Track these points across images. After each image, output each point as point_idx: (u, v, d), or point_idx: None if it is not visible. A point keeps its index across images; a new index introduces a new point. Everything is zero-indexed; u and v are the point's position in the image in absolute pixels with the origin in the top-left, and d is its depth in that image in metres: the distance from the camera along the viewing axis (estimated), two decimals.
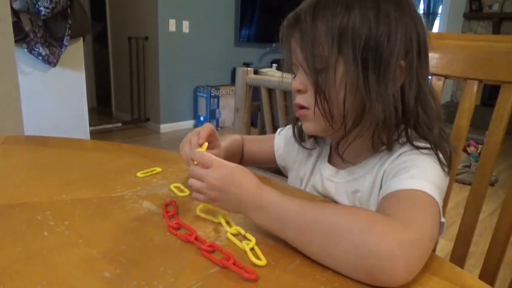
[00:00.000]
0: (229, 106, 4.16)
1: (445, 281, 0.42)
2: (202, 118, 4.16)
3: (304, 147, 0.69)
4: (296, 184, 0.72)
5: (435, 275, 0.43)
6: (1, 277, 0.40)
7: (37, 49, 2.43)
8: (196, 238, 0.48)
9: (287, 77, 0.64)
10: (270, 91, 1.75)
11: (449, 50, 0.76)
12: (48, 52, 2.48)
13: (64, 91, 2.70)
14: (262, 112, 1.84)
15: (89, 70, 4.45)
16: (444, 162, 0.54)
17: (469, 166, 3.02)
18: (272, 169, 0.80)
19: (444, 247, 1.69)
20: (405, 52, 0.54)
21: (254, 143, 0.80)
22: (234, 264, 0.43)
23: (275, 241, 0.49)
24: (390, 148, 0.56)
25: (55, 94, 2.66)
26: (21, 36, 2.34)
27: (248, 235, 0.50)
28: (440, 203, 0.49)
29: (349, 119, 0.55)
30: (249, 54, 4.62)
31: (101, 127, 3.81)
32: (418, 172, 0.51)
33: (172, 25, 3.79)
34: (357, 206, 0.60)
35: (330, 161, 0.67)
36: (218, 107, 4.15)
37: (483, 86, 0.74)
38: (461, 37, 0.78)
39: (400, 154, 0.55)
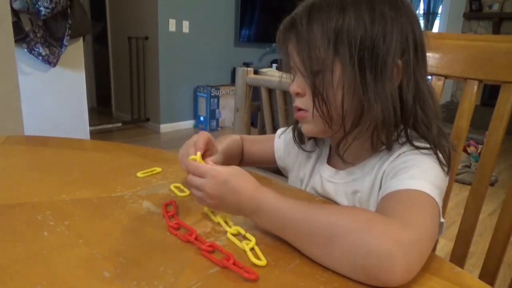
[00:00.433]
0: (229, 106, 4.16)
1: (445, 281, 0.42)
2: (202, 118, 4.17)
3: (304, 149, 0.69)
4: (296, 185, 0.72)
5: (435, 275, 0.43)
6: (1, 277, 0.40)
7: (37, 49, 2.43)
8: (196, 238, 0.48)
9: (286, 77, 0.64)
10: (270, 91, 1.75)
11: (449, 50, 0.76)
12: (48, 52, 2.48)
13: (64, 91, 2.70)
14: (262, 112, 1.84)
15: (89, 70, 4.45)
16: (444, 161, 0.54)
17: (469, 166, 3.02)
18: (272, 169, 0.80)
19: (444, 247, 1.69)
20: (402, 51, 0.54)
21: (254, 143, 0.80)
22: (234, 264, 0.43)
23: (275, 241, 0.49)
24: (389, 148, 0.56)
25: (55, 94, 2.66)
26: (21, 36, 2.34)
27: (248, 235, 0.50)
28: (440, 203, 0.49)
29: (348, 120, 0.55)
30: (249, 54, 4.62)
31: (101, 127, 3.81)
32: (417, 172, 0.51)
33: (172, 25, 3.79)
34: (356, 207, 0.60)
35: (329, 162, 0.67)
36: (218, 107, 4.15)
37: (483, 86, 0.74)
38: (461, 37, 0.78)
39: (400, 155, 0.55)
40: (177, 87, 4.01)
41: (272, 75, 1.79)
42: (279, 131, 0.78)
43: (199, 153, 0.59)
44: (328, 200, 0.64)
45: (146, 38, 3.82)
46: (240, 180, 0.52)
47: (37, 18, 2.38)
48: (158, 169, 0.73)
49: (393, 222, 0.42)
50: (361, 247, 0.40)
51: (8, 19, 1.50)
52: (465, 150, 3.25)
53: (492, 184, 2.70)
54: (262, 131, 1.98)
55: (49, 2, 2.31)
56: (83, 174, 0.71)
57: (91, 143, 1.16)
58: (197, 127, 4.22)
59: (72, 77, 2.72)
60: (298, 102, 0.59)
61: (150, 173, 0.71)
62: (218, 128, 4.21)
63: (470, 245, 0.77)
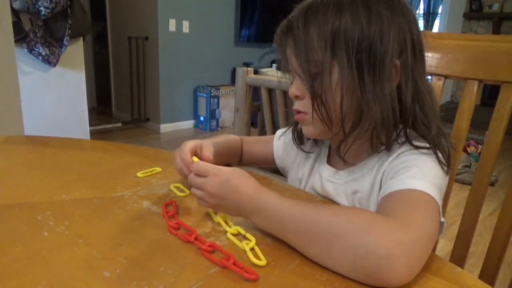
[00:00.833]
0: (229, 106, 4.16)
1: (445, 281, 0.42)
2: (202, 118, 4.17)
3: (303, 150, 0.69)
4: (295, 185, 0.72)
5: (435, 275, 0.43)
6: (1, 277, 0.40)
7: (37, 49, 2.43)
8: (196, 238, 0.48)
9: (285, 78, 0.64)
10: (270, 91, 1.75)
11: (449, 50, 0.76)
12: (48, 52, 2.48)
13: (64, 91, 2.70)
14: (262, 112, 1.84)
15: (89, 70, 4.45)
16: (443, 161, 0.54)
17: (469, 166, 3.02)
18: (271, 169, 0.80)
19: (444, 247, 1.69)
20: (399, 51, 0.53)
21: (253, 144, 0.80)
22: (234, 264, 0.43)
23: (275, 241, 0.49)
24: (389, 148, 0.56)
25: (55, 94, 2.66)
26: (21, 36, 2.34)
27: (248, 235, 0.50)
28: (440, 203, 0.48)
29: (347, 122, 0.55)
30: (249, 54, 4.62)
31: (101, 127, 3.81)
32: (417, 172, 0.51)
33: (172, 25, 3.79)
34: (356, 207, 0.60)
35: (329, 162, 0.67)
36: (218, 107, 4.15)
37: (483, 86, 0.74)
38: (461, 37, 0.78)
39: (399, 154, 0.55)
40: (177, 87, 4.01)
41: (272, 75, 1.79)
42: (279, 132, 0.78)
43: (195, 158, 0.60)
44: (327, 200, 0.64)
45: (146, 38, 3.82)
46: (242, 179, 0.52)
47: (37, 18, 2.38)
48: (158, 169, 0.73)
49: (393, 222, 0.42)
50: (361, 247, 0.40)
51: (8, 19, 1.50)
52: (465, 150, 3.25)
53: (492, 184, 2.70)
54: (262, 131, 1.98)
55: (49, 2, 2.31)
56: (83, 174, 0.71)
57: (91, 143, 1.16)
58: (197, 127, 4.22)
59: (72, 77, 2.72)
60: (297, 105, 0.59)
61: (150, 173, 0.71)
62: (218, 128, 4.21)
63: (470, 245, 0.77)
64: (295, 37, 0.55)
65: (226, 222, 0.53)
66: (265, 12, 4.50)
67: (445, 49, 0.76)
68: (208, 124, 4.12)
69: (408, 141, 0.55)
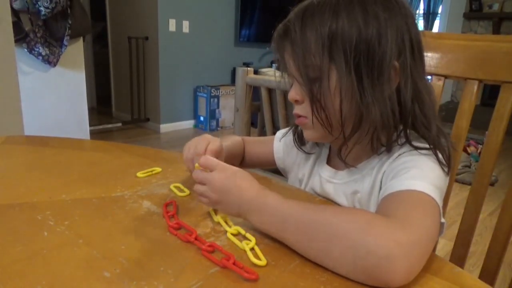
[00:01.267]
0: (229, 106, 4.16)
1: (445, 281, 0.42)
2: (202, 118, 4.17)
3: (304, 151, 0.69)
4: (295, 186, 0.72)
5: (435, 275, 0.43)
6: (1, 277, 0.40)
7: (37, 49, 2.43)
8: (196, 238, 0.48)
9: (285, 79, 0.63)
10: (270, 91, 1.75)
11: (449, 50, 0.76)
12: (48, 52, 2.48)
13: (64, 91, 2.70)
14: (262, 112, 1.84)
15: (89, 70, 4.45)
16: (444, 161, 0.54)
17: (469, 166, 3.02)
18: (272, 169, 0.80)
19: (444, 247, 1.69)
20: (398, 53, 0.53)
21: (255, 145, 0.80)
22: (234, 264, 0.43)
23: (275, 241, 0.49)
24: (389, 150, 0.56)
25: (55, 94, 2.66)
26: (21, 36, 2.34)
27: (248, 235, 0.50)
28: (440, 204, 0.48)
29: (347, 126, 0.55)
30: (249, 54, 4.62)
31: (101, 127, 3.81)
32: (417, 173, 0.51)
33: (172, 25, 3.79)
34: (356, 208, 0.60)
35: (329, 162, 0.67)
36: (218, 107, 4.15)
37: (483, 86, 0.74)
38: (461, 37, 0.78)
39: (400, 155, 0.55)
40: (177, 87, 4.01)
41: (272, 75, 1.79)
42: (279, 133, 0.78)
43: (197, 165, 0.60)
44: (328, 200, 0.64)
45: (146, 38, 3.82)
46: (247, 178, 0.52)
47: (37, 18, 2.38)
48: (158, 169, 0.73)
49: (393, 223, 0.42)
50: (361, 248, 0.40)
51: (8, 19, 1.50)
52: (465, 150, 3.25)
53: (492, 184, 2.70)
54: (262, 131, 1.98)
55: (49, 2, 2.31)
56: (83, 174, 0.71)
57: (91, 143, 1.16)
58: (197, 127, 4.22)
59: (72, 77, 2.72)
60: (297, 109, 0.59)
61: (150, 173, 0.71)
62: (218, 128, 4.21)
63: (470, 245, 0.77)
64: (292, 42, 0.55)
65: (226, 222, 0.53)
66: (265, 12, 4.50)
67: (445, 49, 0.76)
68: (208, 124, 4.12)
69: (408, 142, 0.55)
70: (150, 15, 3.73)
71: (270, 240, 0.49)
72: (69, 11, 2.46)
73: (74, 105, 2.78)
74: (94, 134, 3.47)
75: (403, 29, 0.53)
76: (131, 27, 3.92)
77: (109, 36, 4.24)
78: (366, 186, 0.59)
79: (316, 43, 0.52)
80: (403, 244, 0.40)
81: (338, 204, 0.62)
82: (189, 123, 4.23)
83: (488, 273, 0.73)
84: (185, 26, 3.91)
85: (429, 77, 0.78)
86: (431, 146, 0.54)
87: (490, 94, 4.70)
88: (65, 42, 2.51)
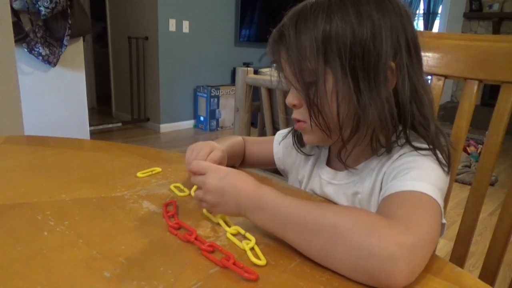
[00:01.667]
0: (229, 106, 4.16)
1: (445, 281, 0.42)
2: (202, 118, 4.17)
3: (303, 152, 0.69)
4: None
5: (435, 275, 0.43)
6: (1, 277, 0.40)
7: (37, 49, 2.43)
8: (196, 238, 0.48)
9: (282, 82, 0.63)
10: (270, 91, 1.75)
11: (449, 50, 0.76)
12: (48, 52, 2.48)
13: (64, 91, 2.71)
14: (262, 112, 1.84)
15: (89, 70, 4.46)
16: (443, 161, 0.54)
17: (469, 166, 3.02)
18: (272, 169, 0.80)
19: (444, 247, 1.69)
20: (394, 53, 0.53)
21: (255, 145, 0.80)
22: (234, 264, 0.43)
23: (275, 241, 0.49)
24: (389, 151, 0.56)
25: (55, 94, 2.66)
26: (21, 36, 2.34)
27: (248, 235, 0.50)
28: (441, 204, 0.48)
29: (346, 129, 0.55)
30: (249, 54, 4.62)
31: (101, 127, 3.81)
32: (418, 174, 0.51)
33: (172, 25, 3.79)
34: (359, 208, 0.60)
35: (328, 164, 0.67)
36: (218, 107, 4.15)
37: (483, 86, 0.74)
38: (461, 37, 0.78)
39: (400, 156, 0.55)
40: (177, 87, 4.01)
41: (272, 75, 1.79)
42: (278, 135, 0.77)
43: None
44: (328, 200, 0.64)
45: (146, 38, 3.82)
46: (241, 176, 0.52)
47: (37, 18, 2.38)
48: (158, 169, 0.73)
49: (394, 225, 0.42)
50: (363, 249, 0.40)
51: (8, 19, 1.50)
52: (465, 150, 3.25)
53: (492, 184, 2.70)
54: (262, 131, 1.98)
55: (49, 2, 2.31)
56: (83, 174, 0.71)
57: (91, 143, 1.16)
58: (197, 127, 4.23)
59: (72, 77, 2.72)
60: (295, 114, 0.59)
61: (150, 173, 0.71)
62: (218, 128, 4.21)
63: (470, 245, 0.77)
64: (287, 47, 0.55)
65: (225, 222, 0.53)
66: (265, 12, 4.50)
67: (445, 49, 0.76)
68: (208, 124, 4.12)
69: (408, 142, 0.55)
70: (150, 15, 3.73)
71: (270, 240, 0.49)
72: (69, 11, 2.46)
73: (74, 105, 2.78)
74: (94, 134, 3.47)
75: (398, 29, 0.53)
76: (131, 27, 3.92)
77: (109, 36, 4.24)
78: (367, 187, 0.59)
79: (310, 47, 0.52)
80: (405, 246, 0.40)
81: (338, 204, 0.62)
82: (189, 123, 4.23)
83: (488, 273, 0.73)
84: (185, 26, 3.91)
85: (429, 77, 0.78)
86: (431, 146, 0.54)
87: (490, 94, 4.70)
88: (65, 42, 2.51)
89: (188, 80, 4.09)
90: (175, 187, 0.65)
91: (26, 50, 2.41)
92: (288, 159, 0.75)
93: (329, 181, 0.64)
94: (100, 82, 4.80)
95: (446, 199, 0.73)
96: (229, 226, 0.52)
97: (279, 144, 0.76)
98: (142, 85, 4.00)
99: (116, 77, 4.31)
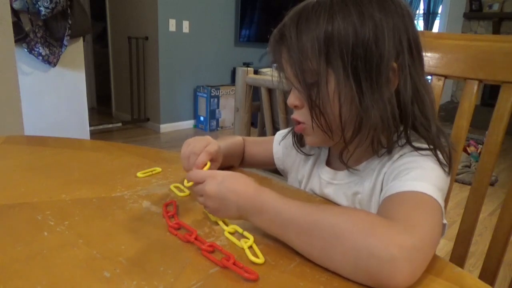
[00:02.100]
0: (229, 106, 4.16)
1: (445, 281, 0.42)
2: (202, 118, 4.17)
3: (303, 152, 0.69)
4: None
5: (435, 275, 0.43)
6: (1, 277, 0.40)
7: (37, 49, 2.44)
8: (196, 238, 0.48)
9: (283, 82, 0.63)
10: (270, 91, 1.75)
11: (449, 50, 0.76)
12: (48, 52, 2.48)
13: (64, 91, 2.71)
14: (262, 112, 1.84)
15: (89, 70, 4.46)
16: (444, 162, 0.54)
17: (469, 166, 3.02)
18: (272, 169, 0.80)
19: (444, 247, 1.69)
20: (396, 53, 0.52)
21: (254, 145, 0.80)
22: (234, 264, 0.43)
23: (275, 241, 0.49)
24: (390, 151, 0.56)
25: (55, 94, 2.66)
26: (21, 36, 2.34)
27: (246, 233, 0.50)
28: (442, 204, 0.48)
29: (347, 130, 0.55)
30: (249, 54, 4.62)
31: (101, 127, 3.81)
32: (419, 174, 0.50)
33: (172, 25, 3.79)
34: (359, 209, 0.59)
35: (328, 163, 0.66)
36: (218, 107, 4.15)
37: (483, 86, 0.74)
38: (461, 37, 0.78)
39: (401, 156, 0.55)
40: (177, 87, 4.01)
41: (273, 75, 1.79)
42: (278, 135, 0.77)
43: (208, 164, 0.60)
44: (327, 200, 0.64)
45: (146, 38, 3.82)
46: (239, 180, 0.52)
47: (37, 18, 2.38)
48: (158, 169, 0.73)
49: (396, 226, 0.42)
50: (363, 250, 0.40)
51: (8, 19, 1.50)
52: (465, 150, 3.25)
53: (492, 184, 2.70)
54: (262, 131, 1.98)
55: (49, 2, 2.31)
56: (83, 174, 0.71)
57: (91, 143, 1.16)
58: (197, 127, 4.22)
59: (72, 77, 2.72)
60: (296, 115, 0.59)
61: (150, 173, 0.71)
62: (218, 128, 4.21)
63: (470, 245, 0.77)
64: (288, 47, 0.54)
65: (223, 222, 0.53)
66: (265, 12, 4.50)
67: (445, 49, 0.76)
68: (208, 124, 4.12)
69: (409, 143, 0.55)
70: (150, 15, 3.73)
71: (270, 240, 0.49)
72: (69, 11, 2.47)
73: (74, 105, 2.78)
74: (94, 134, 3.47)
75: (400, 29, 0.53)
76: (131, 27, 3.92)
77: (109, 36, 4.24)
78: (367, 187, 0.59)
79: (312, 48, 0.52)
80: (406, 247, 0.40)
81: (338, 205, 0.62)
82: (189, 123, 4.23)
83: (488, 273, 0.73)
84: (185, 26, 3.91)
85: (429, 77, 0.78)
86: (431, 147, 0.54)
87: (490, 94, 4.70)
88: (65, 42, 2.51)
89: (188, 80, 4.09)
90: (175, 187, 0.65)
91: (26, 50, 2.41)
92: (287, 159, 0.75)
93: (329, 181, 0.64)
94: (100, 82, 4.80)
95: (446, 199, 0.73)
96: (227, 225, 0.53)
97: (279, 144, 0.76)
98: (142, 85, 4.00)
99: (116, 77, 4.31)
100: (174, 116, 4.06)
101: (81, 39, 2.70)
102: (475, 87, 0.74)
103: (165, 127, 3.99)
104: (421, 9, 5.69)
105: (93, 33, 4.45)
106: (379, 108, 0.52)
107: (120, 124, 3.96)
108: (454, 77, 0.76)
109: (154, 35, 3.75)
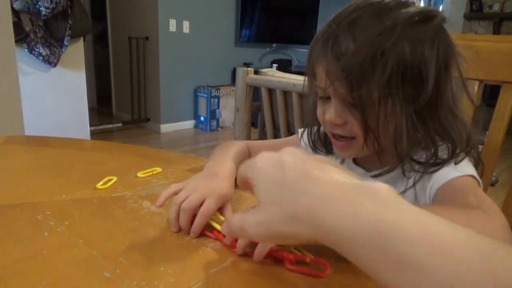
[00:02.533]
0: (229, 106, 4.16)
1: None
2: (202, 118, 4.17)
3: (323, 152, 0.65)
4: None
5: None
6: (1, 277, 0.40)
7: (38, 49, 2.44)
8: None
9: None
10: (270, 91, 1.75)
11: None
12: (48, 52, 2.48)
13: (65, 91, 2.71)
14: (262, 112, 1.84)
15: (90, 70, 4.46)
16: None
17: None
18: None
19: None
20: (438, 74, 0.51)
21: (262, 149, 0.76)
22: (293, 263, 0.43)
23: None
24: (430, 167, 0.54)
25: (55, 94, 2.66)
26: (21, 36, 2.34)
27: None
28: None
29: (400, 144, 0.53)
30: (249, 54, 4.62)
31: (101, 127, 3.81)
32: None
33: (172, 25, 3.79)
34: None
35: (355, 162, 0.64)
36: (218, 107, 4.15)
37: (483, 86, 0.74)
38: (461, 37, 0.78)
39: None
40: (178, 87, 4.02)
41: (272, 75, 1.79)
42: (302, 141, 0.71)
43: (217, 213, 0.52)
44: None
45: (147, 38, 3.82)
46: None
47: (38, 18, 2.38)
48: (159, 169, 0.73)
49: (492, 219, 0.44)
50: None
51: (9, 19, 1.50)
52: None
53: (492, 184, 2.69)
54: (262, 131, 1.98)
55: (49, 2, 2.31)
56: (83, 174, 0.71)
57: (91, 143, 1.16)
58: (198, 127, 4.23)
59: (73, 77, 2.72)
60: (338, 130, 0.54)
61: (151, 173, 0.71)
62: (218, 128, 4.22)
63: None
64: (344, 61, 0.48)
65: (215, 218, 0.51)
66: (266, 12, 4.50)
67: None
68: (209, 124, 4.12)
69: (450, 158, 0.54)
70: (150, 15, 3.73)
71: None
72: (69, 11, 2.47)
73: (75, 105, 2.78)
74: (94, 134, 3.47)
75: (447, 53, 0.52)
76: (131, 27, 3.92)
77: (109, 36, 4.24)
78: (399, 187, 0.57)
79: (373, 67, 0.48)
80: (503, 227, 0.42)
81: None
82: (189, 123, 4.23)
83: None
84: (186, 26, 3.91)
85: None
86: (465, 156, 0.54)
87: (490, 94, 4.70)
88: (65, 42, 2.52)
89: (188, 80, 4.10)
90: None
91: (26, 50, 2.41)
92: None
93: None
94: (101, 82, 4.81)
95: None
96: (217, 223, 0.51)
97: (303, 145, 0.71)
98: (142, 85, 4.00)
99: (117, 77, 4.31)
100: (174, 116, 4.06)
101: (82, 39, 2.71)
102: (475, 87, 0.74)
103: (165, 127, 4.00)
104: None
105: (93, 33, 4.45)
106: (431, 130, 0.53)
107: (120, 124, 3.96)
108: (454, 77, 0.76)
109: (155, 35, 3.75)
